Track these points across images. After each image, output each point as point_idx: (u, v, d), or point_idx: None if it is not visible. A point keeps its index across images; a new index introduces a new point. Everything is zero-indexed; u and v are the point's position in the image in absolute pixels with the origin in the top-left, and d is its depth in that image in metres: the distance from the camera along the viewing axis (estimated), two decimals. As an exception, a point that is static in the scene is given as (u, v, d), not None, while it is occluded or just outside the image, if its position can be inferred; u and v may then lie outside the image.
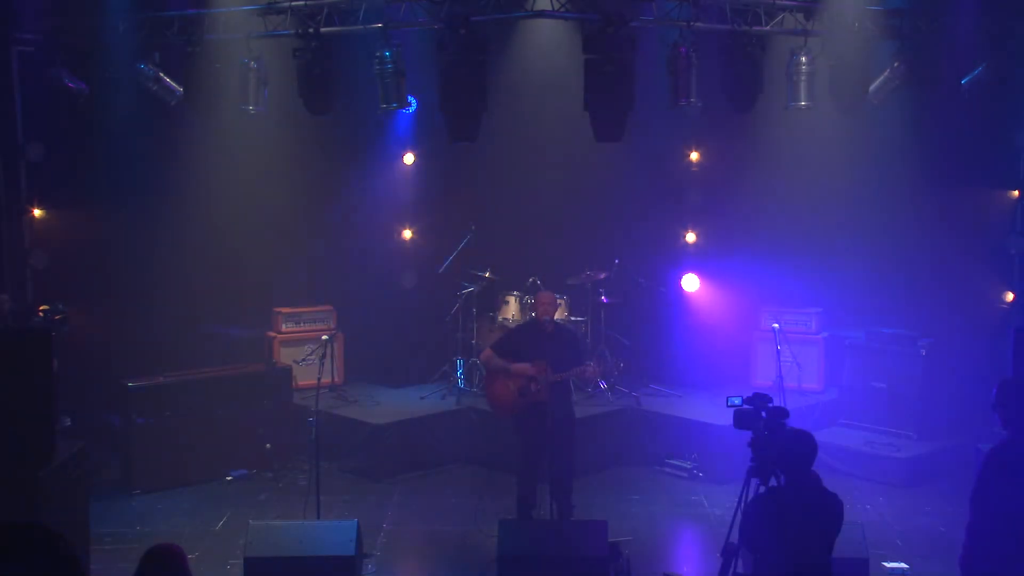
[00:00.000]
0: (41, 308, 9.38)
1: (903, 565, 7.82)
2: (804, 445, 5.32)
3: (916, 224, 10.72)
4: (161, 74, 10.11)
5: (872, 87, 9.74)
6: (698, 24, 9.34)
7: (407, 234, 12.05)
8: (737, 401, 6.11)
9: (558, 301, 10.67)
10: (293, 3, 9.54)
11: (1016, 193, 10.52)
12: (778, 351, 9.73)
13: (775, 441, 5.62)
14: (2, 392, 6.38)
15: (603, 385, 10.89)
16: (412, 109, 10.41)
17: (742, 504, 5.78)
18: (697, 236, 11.83)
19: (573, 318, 11.02)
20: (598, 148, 9.85)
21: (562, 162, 11.42)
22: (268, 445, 10.01)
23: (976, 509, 5.46)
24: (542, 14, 9.54)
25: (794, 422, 5.89)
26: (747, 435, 5.99)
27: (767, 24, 9.51)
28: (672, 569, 7.93)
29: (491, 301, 11.15)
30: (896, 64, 9.72)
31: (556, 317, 9.21)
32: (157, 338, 10.80)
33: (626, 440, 10.54)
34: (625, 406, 10.73)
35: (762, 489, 5.73)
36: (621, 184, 11.57)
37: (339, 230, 11.73)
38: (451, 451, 10.46)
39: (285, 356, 11.18)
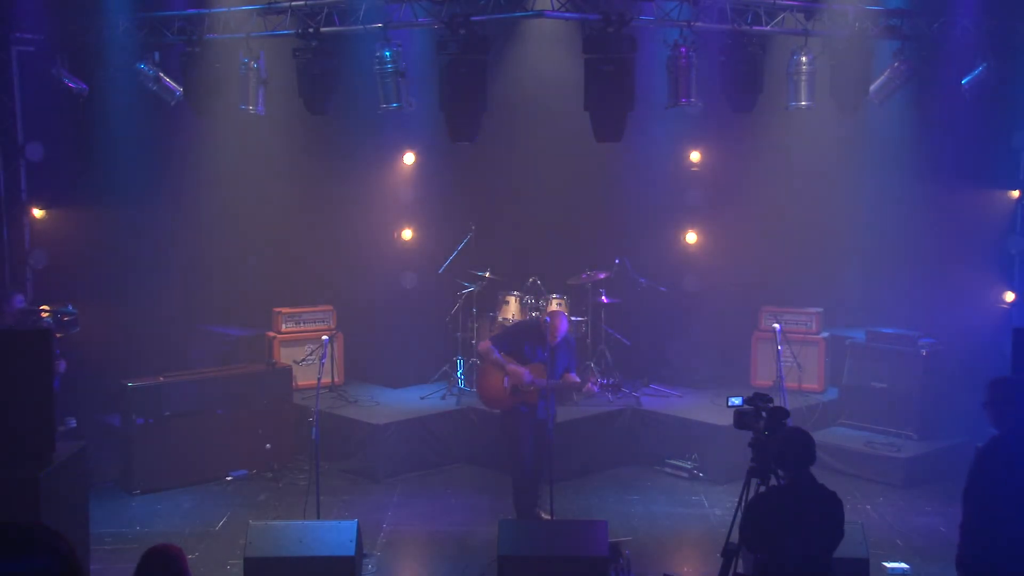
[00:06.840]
0: (42, 308, 9.36)
1: (903, 565, 7.82)
2: (803, 444, 5.32)
3: (916, 224, 10.74)
4: (161, 74, 10.12)
5: (873, 87, 9.74)
6: (698, 24, 9.33)
7: (407, 234, 12.03)
8: (737, 401, 6.13)
9: (558, 302, 10.70)
10: (293, 3, 9.53)
11: (1016, 193, 10.51)
12: (778, 351, 9.72)
13: (775, 441, 5.63)
14: (2, 392, 6.37)
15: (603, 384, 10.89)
16: None
17: (742, 504, 5.79)
18: (697, 236, 11.83)
19: (573, 318, 11.01)
20: (598, 148, 9.85)
21: (562, 162, 11.40)
22: (268, 445, 10.01)
23: (968, 508, 5.46)
24: (542, 14, 9.53)
25: (794, 422, 5.90)
26: (747, 435, 6.00)
27: (767, 24, 9.51)
28: (672, 569, 7.93)
29: (491, 301, 11.14)
30: (896, 64, 9.72)
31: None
32: (157, 338, 10.80)
33: (626, 440, 10.54)
34: (625, 406, 10.73)
35: (762, 489, 5.74)
36: (621, 184, 11.56)
37: (339, 230, 11.72)
38: (451, 451, 10.46)
39: (285, 356, 11.17)
